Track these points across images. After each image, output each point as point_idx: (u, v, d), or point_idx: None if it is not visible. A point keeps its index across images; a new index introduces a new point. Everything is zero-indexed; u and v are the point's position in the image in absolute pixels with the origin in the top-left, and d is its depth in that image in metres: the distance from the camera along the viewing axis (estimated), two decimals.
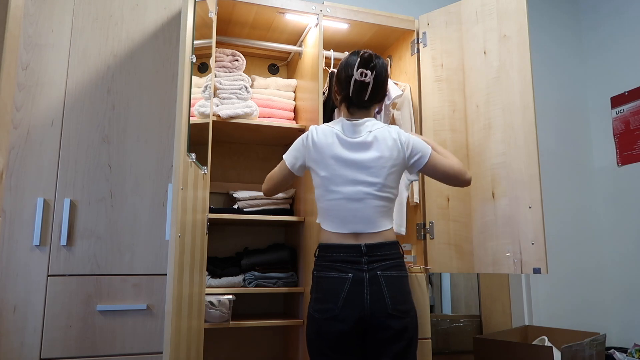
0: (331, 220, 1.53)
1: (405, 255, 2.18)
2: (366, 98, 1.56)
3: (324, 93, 2.15)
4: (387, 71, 1.60)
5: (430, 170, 1.60)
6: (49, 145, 1.69)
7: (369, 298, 1.42)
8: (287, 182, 1.68)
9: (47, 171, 1.68)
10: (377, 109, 1.67)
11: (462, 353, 2.82)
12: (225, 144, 2.38)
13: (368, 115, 1.61)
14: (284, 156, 1.65)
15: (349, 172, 1.52)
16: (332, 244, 1.51)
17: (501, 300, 2.95)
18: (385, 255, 1.48)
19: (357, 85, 1.55)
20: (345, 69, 1.58)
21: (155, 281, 1.72)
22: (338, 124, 1.59)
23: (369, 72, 1.53)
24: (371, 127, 1.57)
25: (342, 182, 1.52)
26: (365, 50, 1.56)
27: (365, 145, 1.54)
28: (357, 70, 1.53)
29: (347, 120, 1.58)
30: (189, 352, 1.46)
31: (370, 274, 1.44)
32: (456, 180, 1.62)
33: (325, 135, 1.57)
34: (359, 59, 1.53)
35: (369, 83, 1.54)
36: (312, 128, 1.61)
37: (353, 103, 1.58)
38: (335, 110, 2.16)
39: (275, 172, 1.68)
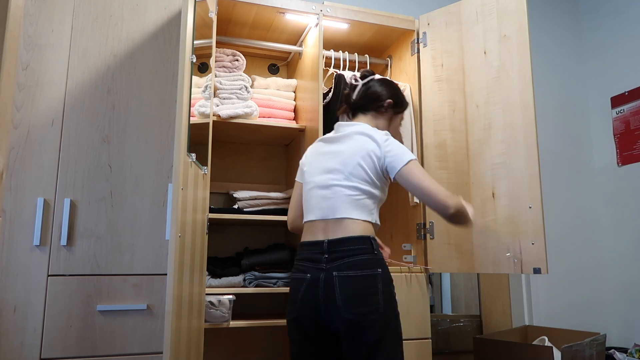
0: (305, 210, 1.57)
1: (405, 256, 2.18)
2: (354, 98, 1.68)
3: (327, 94, 2.14)
4: (380, 88, 1.68)
5: (405, 178, 1.46)
6: (49, 145, 1.69)
7: (322, 300, 1.38)
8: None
9: (47, 171, 1.68)
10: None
11: (462, 353, 2.82)
12: (226, 144, 2.38)
13: (366, 122, 1.65)
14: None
15: (323, 162, 1.57)
16: (303, 241, 1.52)
17: (501, 300, 2.95)
18: (347, 251, 1.39)
19: (349, 89, 1.72)
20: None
21: (155, 281, 1.72)
22: (328, 134, 1.68)
23: (359, 77, 1.71)
24: (356, 126, 1.60)
25: (316, 172, 1.57)
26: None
27: (341, 138, 1.59)
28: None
29: (337, 126, 1.66)
30: (189, 352, 1.46)
31: (327, 275, 1.38)
32: (433, 203, 1.43)
33: (317, 140, 1.69)
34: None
35: (357, 85, 1.69)
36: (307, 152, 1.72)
37: (347, 105, 1.72)
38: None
39: (292, 195, 1.72)
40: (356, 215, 1.45)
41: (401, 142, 2.02)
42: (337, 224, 1.45)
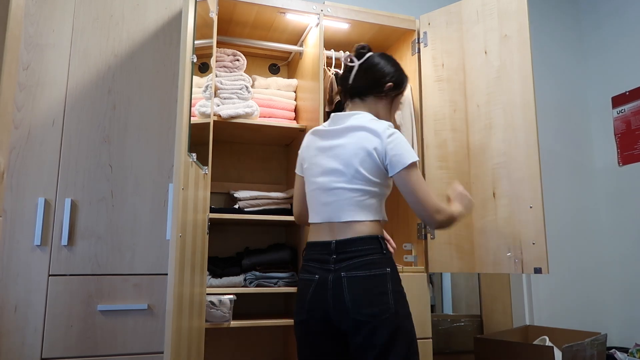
0: (310, 209, 1.50)
1: (406, 255, 2.18)
2: (350, 82, 1.52)
3: (331, 100, 2.13)
4: (380, 64, 1.52)
5: (402, 181, 1.39)
6: (49, 145, 1.70)
7: (332, 301, 1.33)
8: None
9: (48, 171, 1.68)
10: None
11: (463, 353, 2.82)
12: (226, 144, 2.38)
13: (365, 109, 1.51)
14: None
15: (323, 161, 1.46)
16: (310, 241, 1.46)
17: (502, 300, 2.95)
18: (355, 252, 1.35)
19: (344, 71, 1.56)
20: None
21: (156, 281, 1.72)
22: (325, 123, 1.55)
23: (354, 57, 1.53)
24: (355, 117, 1.47)
25: (317, 172, 1.47)
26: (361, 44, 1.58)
27: (339, 133, 1.46)
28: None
29: (338, 114, 1.52)
30: (189, 352, 1.46)
31: (335, 275, 1.34)
32: (421, 213, 1.40)
33: (313, 132, 1.56)
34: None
35: (352, 67, 1.52)
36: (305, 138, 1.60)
37: (344, 90, 1.56)
38: None
39: (294, 189, 1.64)
40: (362, 216, 1.40)
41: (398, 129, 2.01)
42: (343, 226, 1.39)
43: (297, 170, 1.61)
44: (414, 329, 1.37)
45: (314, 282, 1.37)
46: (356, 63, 1.52)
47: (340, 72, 1.55)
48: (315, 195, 1.46)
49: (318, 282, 1.36)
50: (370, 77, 1.52)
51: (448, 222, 1.42)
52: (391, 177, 1.42)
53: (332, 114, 1.53)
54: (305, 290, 1.39)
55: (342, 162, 1.42)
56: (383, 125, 1.43)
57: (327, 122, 1.54)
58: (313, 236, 1.46)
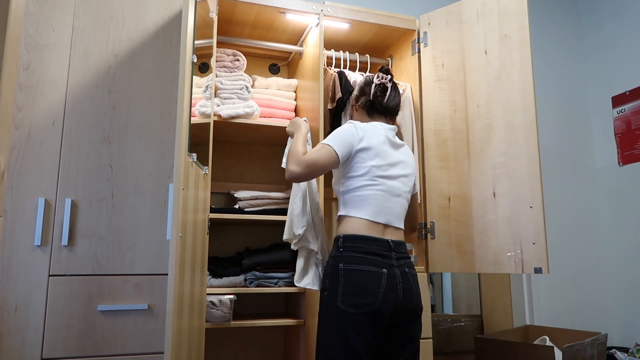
0: (368, 208, 1.53)
1: None
2: (385, 101, 1.67)
3: (338, 100, 2.11)
4: (400, 95, 1.76)
5: (413, 200, 1.81)
6: (50, 145, 1.70)
7: (402, 294, 1.49)
8: (326, 171, 1.58)
9: (48, 171, 1.68)
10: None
11: (463, 353, 2.82)
12: (226, 144, 2.38)
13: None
14: (331, 144, 1.52)
15: (394, 166, 1.61)
16: (361, 235, 1.51)
17: (502, 300, 2.95)
18: (405, 253, 1.58)
19: (377, 89, 1.68)
20: (365, 83, 1.73)
21: (156, 281, 1.72)
22: (379, 125, 1.66)
23: (387, 76, 1.69)
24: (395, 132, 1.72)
25: (389, 174, 1.59)
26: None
27: (402, 148, 1.69)
28: (376, 77, 1.70)
29: (387, 125, 1.69)
30: (190, 352, 1.46)
31: (400, 270, 1.51)
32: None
33: (375, 129, 1.63)
34: (378, 71, 1.71)
35: (388, 87, 1.68)
36: (356, 123, 1.62)
37: (374, 108, 1.68)
38: (342, 113, 2.14)
39: (321, 158, 1.51)
40: (403, 225, 1.64)
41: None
42: (395, 229, 1.59)
43: (342, 153, 1.53)
44: None
45: (384, 275, 1.47)
46: (389, 84, 1.69)
47: (371, 88, 1.68)
48: (381, 196, 1.57)
49: (388, 275, 1.48)
50: (398, 104, 1.73)
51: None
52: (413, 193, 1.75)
53: (390, 127, 1.67)
54: (376, 282, 1.46)
55: (408, 174, 1.66)
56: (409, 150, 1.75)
57: (385, 132, 1.64)
58: (365, 230, 1.53)
